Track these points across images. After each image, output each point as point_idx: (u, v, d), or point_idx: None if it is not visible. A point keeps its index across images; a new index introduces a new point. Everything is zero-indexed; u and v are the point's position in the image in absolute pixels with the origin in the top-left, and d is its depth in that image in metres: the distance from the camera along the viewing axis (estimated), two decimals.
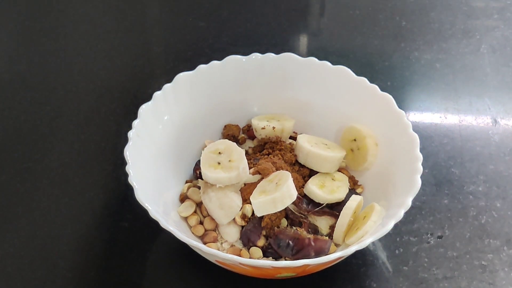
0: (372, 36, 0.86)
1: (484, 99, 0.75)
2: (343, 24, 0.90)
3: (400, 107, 0.57)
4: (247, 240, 0.54)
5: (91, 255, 0.57)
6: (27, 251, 0.57)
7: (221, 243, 0.55)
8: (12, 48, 0.85)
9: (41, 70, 0.79)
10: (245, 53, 0.63)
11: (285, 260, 0.52)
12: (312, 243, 0.51)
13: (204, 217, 0.56)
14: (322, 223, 0.55)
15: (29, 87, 0.77)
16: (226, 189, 0.55)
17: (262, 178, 0.55)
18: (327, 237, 0.53)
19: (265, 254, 0.53)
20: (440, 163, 0.66)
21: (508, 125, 0.71)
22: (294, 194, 0.52)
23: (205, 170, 0.54)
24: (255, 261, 0.46)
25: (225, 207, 0.54)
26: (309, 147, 0.58)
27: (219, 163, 0.55)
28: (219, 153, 0.55)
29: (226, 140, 0.57)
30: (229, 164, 0.54)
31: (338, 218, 0.53)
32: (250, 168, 0.56)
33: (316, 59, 0.62)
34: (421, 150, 0.52)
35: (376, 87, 0.59)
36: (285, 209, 0.53)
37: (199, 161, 0.58)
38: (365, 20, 0.89)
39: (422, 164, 0.51)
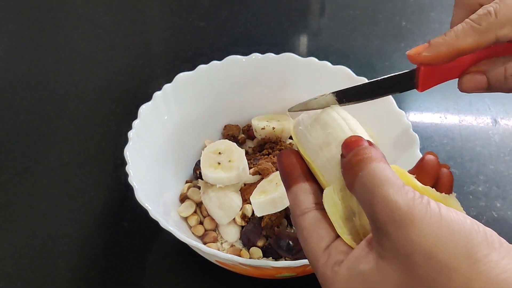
0: (372, 36, 0.86)
1: (484, 99, 0.75)
2: (343, 24, 0.90)
3: (400, 107, 0.57)
4: (247, 240, 0.54)
5: (91, 255, 0.57)
6: (27, 251, 0.57)
7: (221, 243, 0.55)
8: (12, 48, 0.85)
9: (41, 70, 0.79)
10: (245, 53, 0.63)
11: (285, 260, 0.52)
12: None
13: (204, 217, 0.56)
14: None
15: (29, 87, 0.77)
16: (226, 189, 0.55)
17: (262, 178, 0.55)
18: None
19: (265, 254, 0.53)
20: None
21: (508, 125, 0.71)
22: None
23: (205, 170, 0.54)
24: (255, 261, 0.46)
25: (225, 207, 0.54)
26: None
27: (219, 163, 0.55)
28: (219, 153, 0.55)
29: (226, 140, 0.57)
30: (229, 164, 0.54)
31: None
32: (250, 168, 0.56)
33: (316, 59, 0.62)
34: (421, 150, 0.52)
35: None
36: (285, 209, 0.53)
37: (199, 161, 0.58)
38: (365, 20, 0.89)
39: None
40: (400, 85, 0.40)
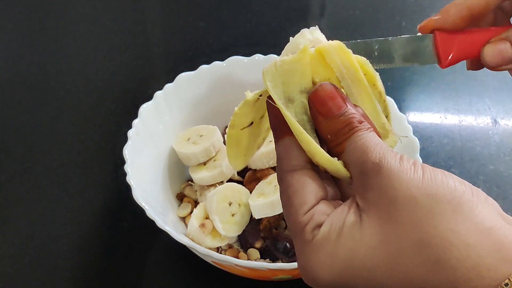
0: (372, 36, 0.86)
1: (484, 99, 0.75)
2: (343, 24, 0.90)
3: (400, 107, 0.57)
4: (245, 241, 0.54)
5: (91, 255, 0.57)
6: (27, 251, 0.57)
7: None
8: (12, 48, 0.85)
9: (41, 70, 0.79)
10: (245, 53, 0.62)
11: (282, 262, 0.52)
12: None
13: None
14: None
15: (29, 87, 0.77)
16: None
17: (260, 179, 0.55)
18: None
19: (263, 256, 0.53)
20: (440, 163, 0.66)
21: (508, 125, 0.71)
22: None
23: (192, 173, 0.55)
24: (251, 262, 0.46)
25: None
26: None
27: (204, 164, 0.55)
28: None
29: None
30: (213, 163, 0.55)
31: None
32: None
33: None
34: (421, 150, 0.52)
35: None
36: None
37: None
38: (365, 20, 0.89)
39: None
40: (420, 54, 0.38)
